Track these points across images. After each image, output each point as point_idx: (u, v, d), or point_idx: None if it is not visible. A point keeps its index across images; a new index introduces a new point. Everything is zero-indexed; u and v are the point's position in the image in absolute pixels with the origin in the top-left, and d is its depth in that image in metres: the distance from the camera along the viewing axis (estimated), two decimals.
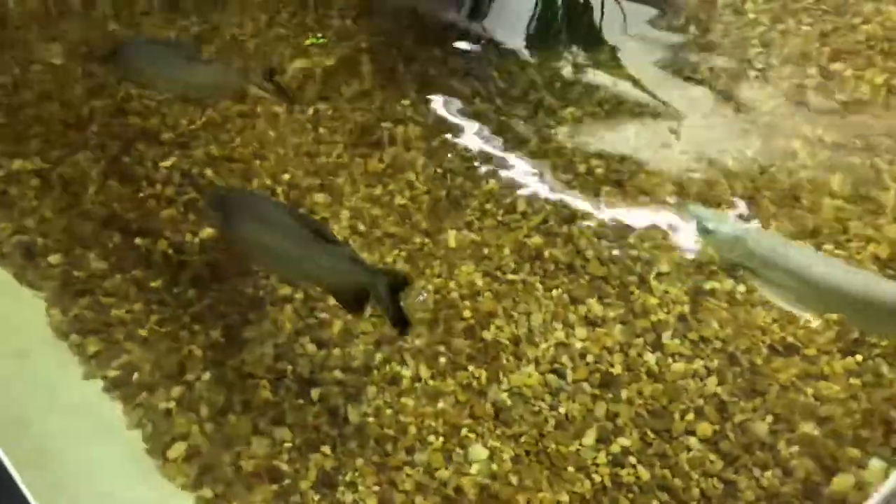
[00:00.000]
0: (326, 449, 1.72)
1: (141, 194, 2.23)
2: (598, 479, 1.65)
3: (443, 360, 1.88)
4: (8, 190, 2.21)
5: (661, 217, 2.17)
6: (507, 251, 2.09)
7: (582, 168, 2.31)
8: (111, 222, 2.16)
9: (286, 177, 2.29)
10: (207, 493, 1.65)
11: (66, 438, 1.74)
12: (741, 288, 2.00)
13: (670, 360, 1.86)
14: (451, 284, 2.02)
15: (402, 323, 1.67)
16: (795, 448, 1.67)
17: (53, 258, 2.08)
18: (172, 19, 2.73)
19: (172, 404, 1.81)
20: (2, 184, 2.23)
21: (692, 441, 1.70)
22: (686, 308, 1.96)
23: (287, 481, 1.68)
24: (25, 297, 2.02)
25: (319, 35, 2.59)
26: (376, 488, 1.65)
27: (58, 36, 2.67)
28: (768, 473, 1.64)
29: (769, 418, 1.73)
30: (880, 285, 1.78)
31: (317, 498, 1.66)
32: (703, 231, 1.96)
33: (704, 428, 1.72)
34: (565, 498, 1.63)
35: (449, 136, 2.41)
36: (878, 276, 1.93)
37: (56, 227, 2.14)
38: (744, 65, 2.59)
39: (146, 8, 2.79)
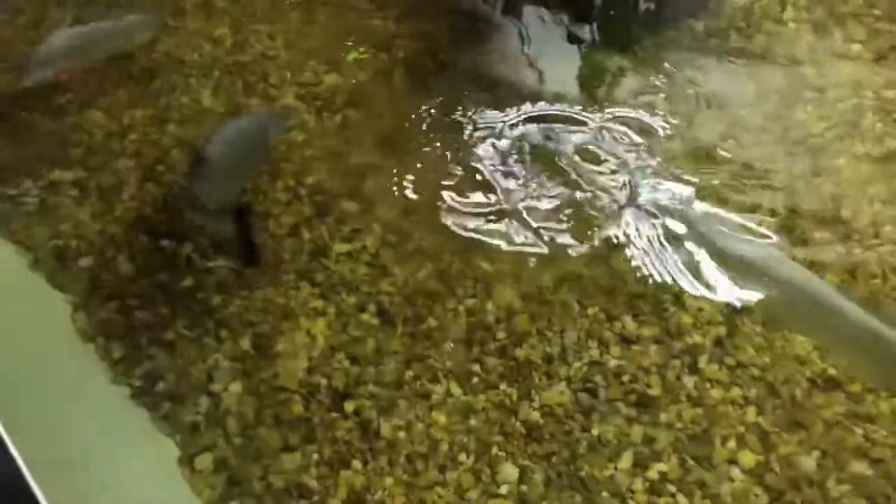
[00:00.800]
0: (357, 464, 1.70)
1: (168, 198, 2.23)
2: None
3: (475, 379, 1.85)
4: (47, 199, 2.23)
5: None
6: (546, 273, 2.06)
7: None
8: (139, 224, 2.16)
9: (310, 180, 2.28)
10: None
11: (90, 445, 1.74)
12: None
13: (708, 384, 1.82)
14: (489, 306, 1.99)
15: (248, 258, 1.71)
16: (846, 487, 1.62)
17: (84, 261, 2.08)
18: (209, 29, 2.72)
19: (200, 417, 1.80)
20: (42, 193, 2.25)
21: (735, 471, 1.66)
22: (722, 330, 1.92)
23: (316, 498, 1.66)
24: (55, 300, 2.02)
25: (362, 49, 2.56)
26: None
27: None
28: None
29: (815, 453, 1.68)
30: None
31: None
32: None
33: (747, 458, 1.67)
34: None
35: (481, 148, 2.38)
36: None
37: (90, 231, 2.14)
38: (790, 79, 2.53)
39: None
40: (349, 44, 2.64)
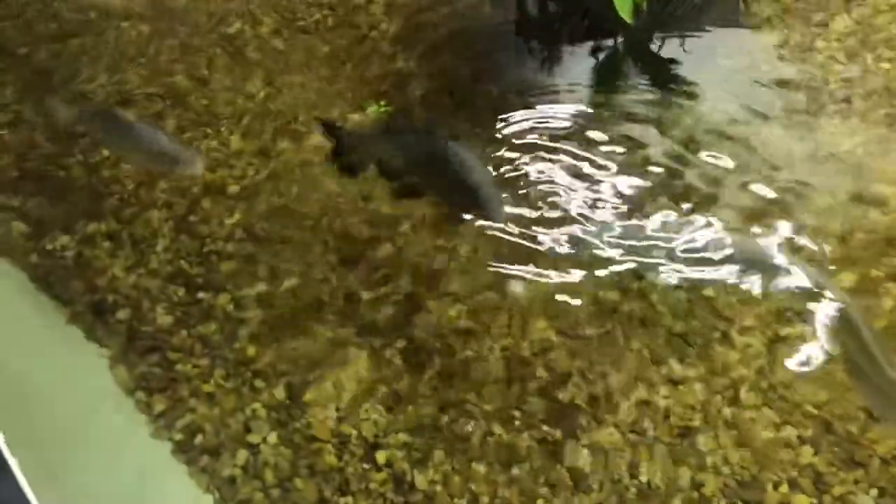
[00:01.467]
0: None
1: (205, 249, 2.25)
2: None
3: (517, 422, 1.82)
4: (83, 252, 2.27)
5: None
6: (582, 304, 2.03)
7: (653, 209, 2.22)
8: (177, 277, 2.19)
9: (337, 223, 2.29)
10: None
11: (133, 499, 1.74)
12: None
13: (755, 423, 1.76)
14: (524, 344, 1.96)
15: None
16: None
17: (122, 314, 2.12)
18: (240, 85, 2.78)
19: (238, 470, 1.80)
20: (77, 246, 2.29)
21: None
22: (764, 361, 1.86)
23: None
24: (93, 354, 2.05)
25: (382, 103, 2.60)
26: None
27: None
28: None
29: (874, 492, 1.61)
30: None
31: None
32: None
33: (801, 501, 1.61)
34: None
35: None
36: None
37: (125, 284, 2.18)
38: (823, 100, 2.47)
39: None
40: (370, 92, 2.66)
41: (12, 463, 0.87)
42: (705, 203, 2.21)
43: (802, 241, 2.09)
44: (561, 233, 2.18)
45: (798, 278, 2.00)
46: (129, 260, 2.23)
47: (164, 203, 2.37)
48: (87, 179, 2.46)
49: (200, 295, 2.14)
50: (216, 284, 2.16)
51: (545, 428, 1.80)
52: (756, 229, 2.13)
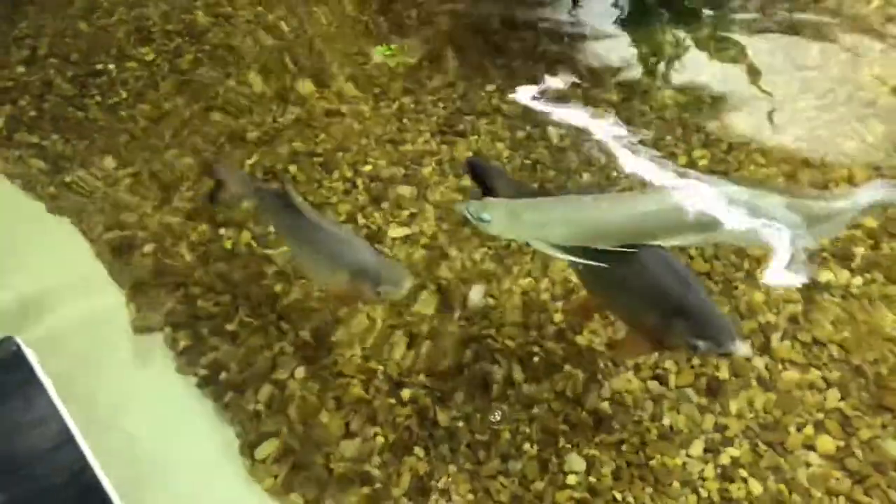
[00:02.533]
0: (419, 451, 1.71)
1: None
2: (704, 494, 1.58)
3: (537, 359, 1.84)
4: (104, 189, 2.29)
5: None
6: None
7: (683, 159, 2.21)
8: (199, 214, 2.21)
9: (367, 168, 2.28)
10: (298, 499, 1.67)
11: (155, 434, 1.79)
12: (857, 280, 1.89)
13: (780, 366, 1.77)
14: (544, 283, 1.97)
15: None
16: None
17: (147, 248, 2.14)
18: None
19: (262, 406, 1.84)
20: (97, 183, 2.31)
21: (812, 456, 1.61)
22: (798, 307, 1.85)
23: (379, 485, 1.68)
24: (116, 292, 2.08)
25: (392, 46, 2.54)
26: (471, 497, 1.63)
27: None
28: None
29: None
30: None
31: None
32: (480, 222, 1.61)
33: (826, 443, 1.62)
34: None
35: (537, 126, 2.34)
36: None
37: (151, 221, 2.20)
38: (862, 41, 2.41)
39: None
40: (397, 31, 2.62)
41: (46, 383, 0.91)
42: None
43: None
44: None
45: None
46: (152, 198, 2.25)
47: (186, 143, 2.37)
48: (106, 120, 2.47)
49: (222, 231, 2.16)
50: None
51: (567, 367, 1.82)
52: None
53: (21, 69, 2.61)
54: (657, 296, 1.43)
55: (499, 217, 1.54)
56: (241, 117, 2.44)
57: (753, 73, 2.38)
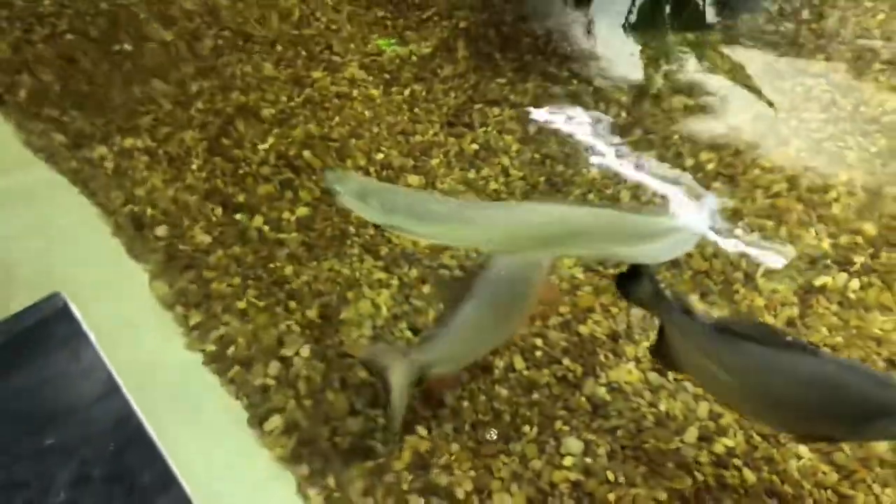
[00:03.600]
0: (422, 430, 1.79)
1: (241, 171, 2.33)
2: (700, 477, 1.67)
3: (538, 353, 1.92)
4: (121, 164, 2.36)
5: (774, 213, 2.13)
6: None
7: (690, 161, 2.29)
8: (213, 195, 2.28)
9: (380, 157, 2.35)
10: (304, 469, 1.75)
11: (164, 408, 1.86)
12: (854, 284, 1.97)
13: None
14: (551, 279, 2.05)
15: None
16: None
17: (160, 230, 2.22)
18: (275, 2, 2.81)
19: (270, 381, 1.91)
20: (116, 158, 2.38)
21: (802, 449, 1.69)
22: (795, 311, 1.94)
23: (382, 460, 1.76)
24: (133, 269, 2.16)
25: (392, 40, 2.62)
26: (472, 473, 1.71)
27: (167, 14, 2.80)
28: (889, 491, 1.61)
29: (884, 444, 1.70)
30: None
31: (410, 479, 1.73)
32: (336, 193, 1.66)
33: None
34: (663, 495, 1.65)
35: (546, 120, 2.42)
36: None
37: (163, 198, 2.27)
38: (866, 56, 2.49)
39: None
40: (407, 22, 2.69)
41: (91, 337, 0.99)
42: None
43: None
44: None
45: None
46: (166, 174, 2.33)
47: (200, 123, 2.45)
48: (125, 97, 2.53)
49: (237, 216, 2.24)
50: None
51: (565, 362, 1.90)
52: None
53: (41, 46, 2.67)
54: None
55: (350, 191, 1.58)
56: (256, 97, 2.51)
57: (759, 82, 2.46)
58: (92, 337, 1.00)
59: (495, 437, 1.79)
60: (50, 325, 1.00)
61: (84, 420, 0.83)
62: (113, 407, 0.85)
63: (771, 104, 2.38)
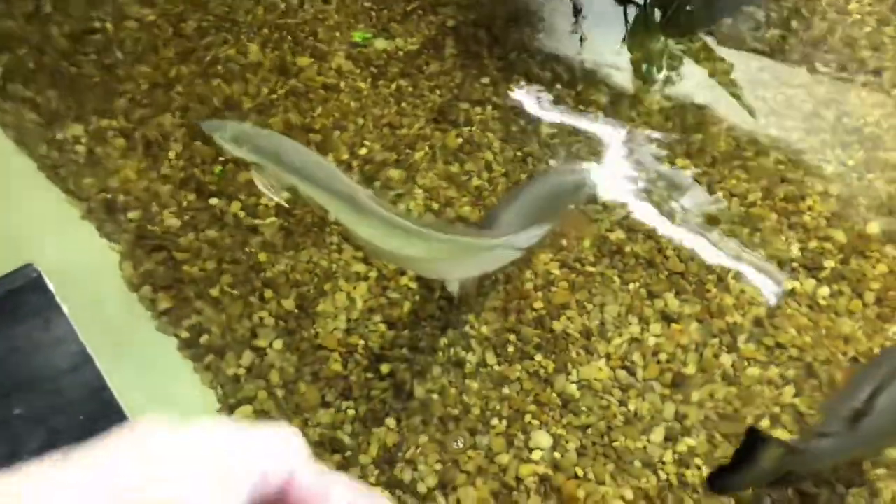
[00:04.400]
0: (391, 422, 1.82)
1: (221, 157, 2.34)
2: (663, 476, 1.71)
3: (510, 348, 1.95)
4: (94, 148, 2.36)
5: (748, 221, 2.19)
6: (587, 243, 2.15)
7: (665, 167, 2.33)
8: (188, 182, 2.28)
9: (363, 151, 2.37)
10: None
11: (133, 390, 1.86)
12: (824, 291, 2.03)
13: (746, 363, 1.90)
14: (527, 274, 2.08)
15: None
16: (883, 470, 1.70)
17: (132, 214, 2.22)
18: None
19: (242, 370, 1.93)
20: (90, 141, 2.38)
21: None
22: (762, 311, 1.99)
23: (349, 453, 1.78)
24: (103, 250, 2.15)
25: (368, 34, 2.66)
26: (438, 466, 1.74)
27: None
28: (853, 491, 1.67)
29: None
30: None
31: (376, 473, 1.76)
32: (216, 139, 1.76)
33: (780, 436, 1.76)
34: (629, 494, 1.69)
35: (528, 120, 2.45)
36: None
37: (137, 186, 2.27)
38: (851, 67, 2.56)
39: None
40: (392, 14, 2.71)
41: (64, 309, 1.00)
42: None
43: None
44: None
45: None
46: (141, 161, 2.32)
47: (179, 107, 2.45)
48: (101, 78, 2.53)
49: (213, 201, 2.24)
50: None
51: (538, 358, 1.93)
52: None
53: (22, 21, 2.65)
54: None
55: (227, 137, 1.66)
56: (238, 85, 2.51)
57: (742, 89, 2.52)
58: (65, 309, 1.01)
59: (461, 446, 1.82)
60: (21, 295, 1.00)
61: (54, 390, 0.84)
62: (84, 378, 0.86)
63: (752, 112, 2.44)
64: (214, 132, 1.68)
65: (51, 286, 1.03)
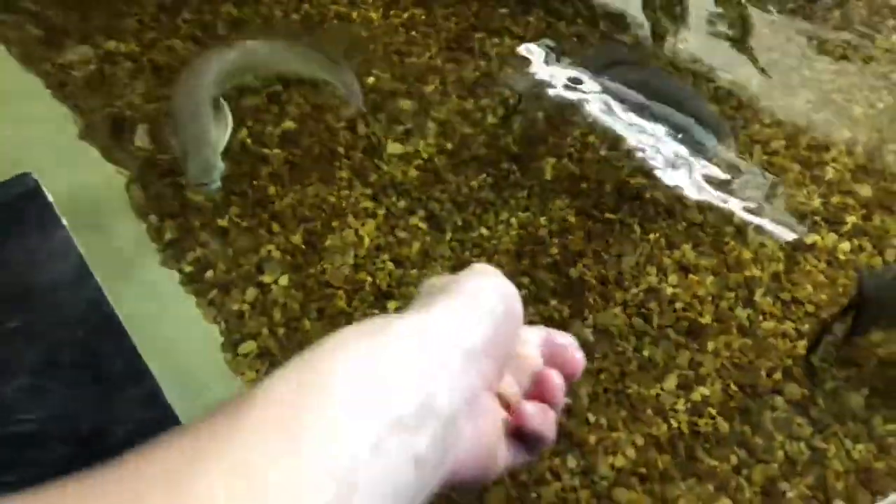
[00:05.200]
0: None
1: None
2: (675, 424, 1.67)
3: (524, 291, 1.89)
4: (102, 68, 2.27)
5: (770, 171, 2.10)
6: (607, 189, 2.07)
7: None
8: None
9: (370, 80, 2.28)
10: None
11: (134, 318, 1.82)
12: (845, 246, 1.97)
13: (761, 317, 1.85)
14: (542, 220, 2.01)
15: None
16: (893, 426, 1.67)
17: (140, 136, 2.14)
18: None
19: (246, 306, 1.87)
20: (98, 62, 2.28)
21: (778, 401, 1.71)
22: (781, 266, 1.93)
23: None
24: (108, 172, 2.08)
25: None
26: None
27: None
28: (860, 447, 1.63)
29: (864, 390, 1.73)
30: None
31: None
32: None
33: (792, 390, 1.72)
34: (640, 440, 1.65)
35: (548, 57, 2.35)
36: None
37: (146, 108, 2.19)
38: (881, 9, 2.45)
39: None
40: None
41: (63, 220, 0.93)
42: None
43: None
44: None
45: None
46: (150, 84, 2.23)
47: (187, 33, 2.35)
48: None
49: None
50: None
51: (553, 302, 1.88)
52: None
53: None
54: None
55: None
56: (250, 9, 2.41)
57: (770, 33, 2.41)
58: (64, 221, 0.95)
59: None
60: (19, 204, 0.94)
61: (53, 304, 0.79)
62: (84, 293, 0.81)
63: (763, 70, 2.34)
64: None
65: (50, 197, 0.97)
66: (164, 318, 1.91)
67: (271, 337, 1.84)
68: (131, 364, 0.76)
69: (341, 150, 2.14)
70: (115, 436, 0.70)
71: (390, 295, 1.89)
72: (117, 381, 0.74)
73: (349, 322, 1.81)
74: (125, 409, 0.72)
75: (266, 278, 1.92)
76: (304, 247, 1.98)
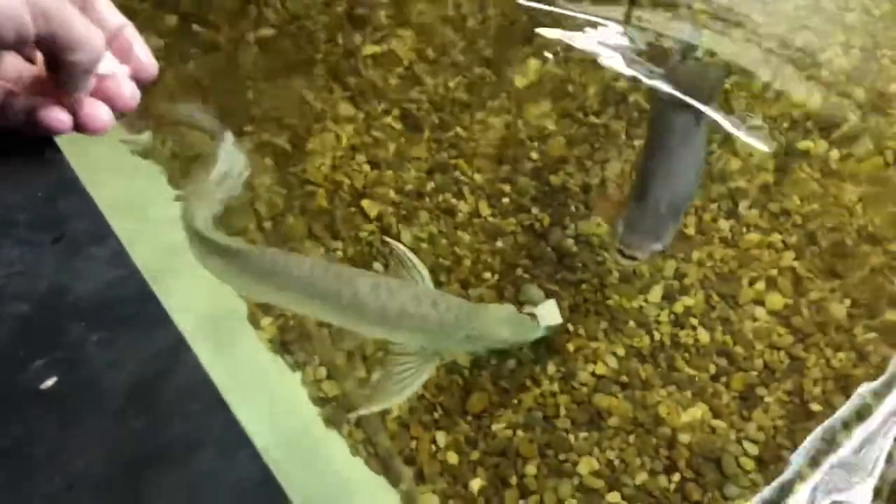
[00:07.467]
0: (378, 266, 1.72)
1: None
2: (657, 336, 1.66)
3: (505, 199, 1.84)
4: None
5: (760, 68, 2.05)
6: (591, 91, 2.00)
7: (684, 8, 2.17)
8: (165, 3, 2.07)
9: None
10: None
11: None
12: (836, 154, 1.94)
13: (745, 229, 1.82)
14: (519, 123, 1.94)
15: None
16: (873, 334, 1.66)
17: None
18: None
19: (233, 203, 1.80)
20: None
21: (759, 311, 1.70)
22: (770, 177, 1.89)
23: None
24: None
25: None
26: None
27: None
28: (841, 355, 1.63)
29: (847, 301, 1.71)
30: None
31: None
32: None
33: (775, 300, 1.70)
34: (621, 351, 1.64)
35: None
36: None
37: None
38: None
39: None
40: None
41: None
42: None
43: None
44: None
45: None
46: None
47: None
48: None
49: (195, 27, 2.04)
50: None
51: (534, 211, 1.83)
52: None
53: None
54: None
55: None
56: None
57: None
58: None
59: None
60: None
61: (6, 163, 0.72)
62: (41, 151, 0.74)
63: None
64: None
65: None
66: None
67: (258, 231, 1.79)
68: (94, 225, 0.70)
69: (319, 55, 2.03)
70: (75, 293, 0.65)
71: (366, 195, 1.83)
72: (79, 242, 0.68)
73: (331, 219, 1.78)
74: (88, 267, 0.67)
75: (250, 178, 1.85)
76: (287, 147, 1.90)
